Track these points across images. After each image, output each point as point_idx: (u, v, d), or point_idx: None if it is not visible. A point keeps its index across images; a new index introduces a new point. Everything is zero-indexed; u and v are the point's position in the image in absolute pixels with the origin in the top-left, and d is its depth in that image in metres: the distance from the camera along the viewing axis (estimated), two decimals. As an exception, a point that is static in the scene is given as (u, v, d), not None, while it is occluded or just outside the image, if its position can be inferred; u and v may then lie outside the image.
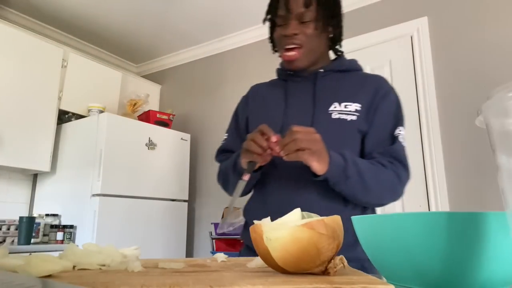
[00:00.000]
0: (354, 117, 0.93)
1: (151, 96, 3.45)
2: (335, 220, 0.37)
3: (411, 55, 2.40)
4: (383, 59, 2.51)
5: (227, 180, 1.04)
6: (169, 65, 3.70)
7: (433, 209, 2.16)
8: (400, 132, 0.94)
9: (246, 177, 0.86)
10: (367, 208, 0.96)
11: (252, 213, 1.00)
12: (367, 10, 2.63)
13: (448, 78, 2.24)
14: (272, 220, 0.40)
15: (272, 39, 1.08)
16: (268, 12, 1.05)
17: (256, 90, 1.14)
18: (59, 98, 2.78)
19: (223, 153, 1.13)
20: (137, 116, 3.07)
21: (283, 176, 0.94)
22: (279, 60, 1.05)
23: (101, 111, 2.81)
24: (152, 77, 3.79)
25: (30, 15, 2.99)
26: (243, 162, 0.89)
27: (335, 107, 0.95)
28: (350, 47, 2.63)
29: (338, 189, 0.86)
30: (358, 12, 2.66)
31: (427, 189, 2.19)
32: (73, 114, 2.89)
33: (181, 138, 3.11)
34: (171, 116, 3.16)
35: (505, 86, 0.26)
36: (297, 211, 0.41)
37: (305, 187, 0.90)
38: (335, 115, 0.94)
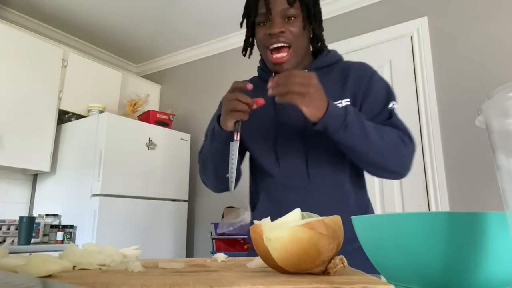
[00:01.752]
0: None
1: (151, 96, 3.45)
2: (335, 220, 0.37)
3: (411, 55, 2.40)
4: (383, 59, 2.51)
5: (205, 165, 1.01)
6: (169, 65, 3.70)
7: (433, 209, 2.16)
8: (394, 105, 0.94)
9: (237, 136, 0.85)
10: (365, 198, 0.97)
11: (262, 214, 0.97)
12: (367, 10, 2.63)
13: (448, 78, 2.24)
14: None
15: (247, 42, 1.07)
16: (246, 13, 1.02)
17: None
18: (59, 98, 2.78)
19: None
20: (137, 116, 3.07)
21: (287, 176, 0.95)
22: None
23: (101, 111, 2.81)
24: (152, 77, 3.79)
25: (30, 15, 2.99)
26: (229, 124, 0.86)
27: None
28: (350, 47, 2.63)
29: (338, 138, 0.82)
30: (358, 12, 2.66)
31: (427, 189, 2.19)
32: (73, 114, 2.89)
33: (181, 138, 3.11)
34: (171, 116, 3.16)
35: (505, 86, 0.26)
36: (297, 211, 0.41)
37: (312, 185, 0.91)
38: None
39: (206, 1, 2.81)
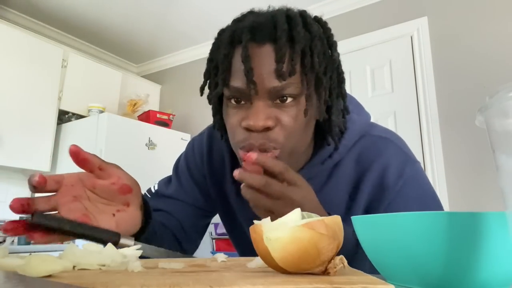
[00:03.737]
0: None
1: (151, 96, 3.45)
2: (335, 220, 0.37)
3: (411, 55, 2.41)
4: (383, 59, 2.51)
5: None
6: (169, 65, 3.70)
7: (433, 209, 2.16)
8: None
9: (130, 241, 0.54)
10: None
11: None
12: (367, 10, 2.63)
13: (448, 78, 2.24)
14: None
15: (217, 121, 0.65)
16: (208, 76, 0.61)
17: (212, 164, 0.78)
18: (59, 98, 2.78)
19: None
20: (137, 116, 3.08)
21: None
22: None
23: (101, 111, 2.81)
24: (152, 77, 3.79)
25: (30, 15, 2.99)
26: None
27: None
28: (350, 47, 2.63)
29: None
30: (358, 12, 2.66)
31: (427, 189, 2.19)
32: (73, 114, 2.89)
33: (181, 138, 3.11)
34: (171, 116, 3.16)
35: (505, 86, 0.26)
36: (297, 211, 0.41)
37: None
38: None
39: (206, 1, 2.80)
